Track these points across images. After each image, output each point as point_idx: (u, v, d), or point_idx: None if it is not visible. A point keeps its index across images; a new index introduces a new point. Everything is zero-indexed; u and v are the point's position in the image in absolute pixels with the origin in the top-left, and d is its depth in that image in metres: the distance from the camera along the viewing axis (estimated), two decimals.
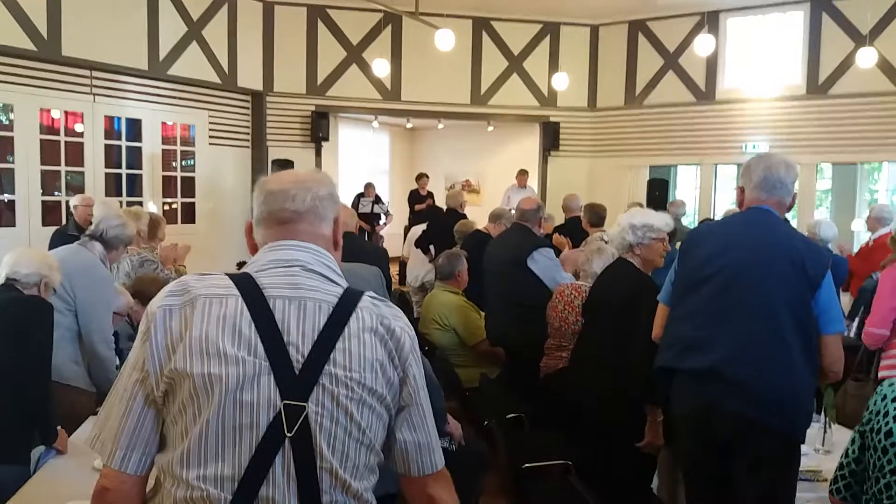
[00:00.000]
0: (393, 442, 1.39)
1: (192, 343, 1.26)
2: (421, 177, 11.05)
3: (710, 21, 9.98)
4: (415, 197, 10.77)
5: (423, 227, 7.69)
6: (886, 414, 1.90)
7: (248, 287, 1.33)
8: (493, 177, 12.64)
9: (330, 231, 1.46)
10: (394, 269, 9.44)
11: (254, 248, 1.46)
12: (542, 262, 4.53)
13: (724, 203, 10.50)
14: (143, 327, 1.33)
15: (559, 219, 7.09)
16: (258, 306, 1.30)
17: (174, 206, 9.59)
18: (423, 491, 1.43)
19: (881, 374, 3.56)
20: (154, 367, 1.28)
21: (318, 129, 10.53)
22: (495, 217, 5.83)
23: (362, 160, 11.40)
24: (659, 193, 9.66)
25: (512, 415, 3.94)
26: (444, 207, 8.01)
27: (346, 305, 1.35)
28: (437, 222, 7.47)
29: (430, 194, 10.78)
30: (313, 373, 1.28)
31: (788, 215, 2.84)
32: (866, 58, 8.39)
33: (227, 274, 1.37)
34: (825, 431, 3.07)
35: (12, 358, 2.61)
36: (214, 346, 1.26)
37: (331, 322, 1.32)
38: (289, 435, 1.25)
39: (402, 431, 1.39)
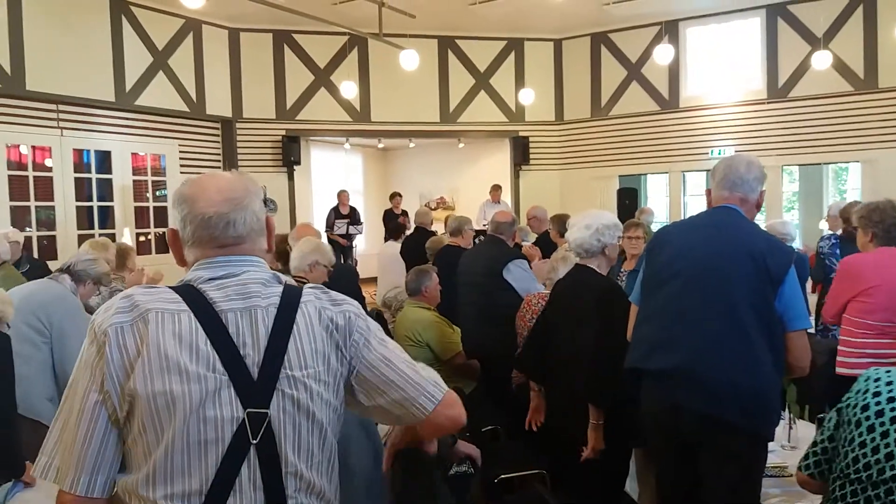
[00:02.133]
0: (381, 409, 1.44)
1: (150, 361, 1.25)
2: (394, 196, 11.09)
3: (669, 30, 10.19)
4: (389, 216, 10.79)
5: (396, 244, 7.71)
6: (866, 391, 1.91)
7: (197, 301, 1.32)
8: (466, 193, 12.71)
9: (265, 241, 1.48)
10: (371, 289, 9.44)
11: (183, 261, 1.45)
12: (517, 273, 4.56)
13: (695, 210, 10.63)
14: (91, 346, 1.30)
15: (532, 235, 7.13)
16: (212, 322, 1.30)
17: (148, 236, 9.55)
18: (433, 423, 1.47)
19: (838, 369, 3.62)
20: (114, 386, 1.25)
21: (289, 154, 10.55)
22: (456, 230, 5.85)
23: (336, 182, 11.41)
24: (629, 202, 9.78)
25: (488, 427, 3.97)
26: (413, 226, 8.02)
27: (289, 304, 1.37)
28: (407, 241, 7.49)
29: (405, 213, 10.81)
30: (271, 379, 1.30)
31: (759, 219, 2.84)
32: (822, 60, 8.62)
33: (171, 287, 1.36)
34: (790, 428, 3.12)
35: None
36: (175, 363, 1.25)
37: (278, 324, 1.34)
38: (254, 442, 1.27)
39: (379, 398, 1.42)
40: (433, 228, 7.72)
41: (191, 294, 1.34)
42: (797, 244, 6.42)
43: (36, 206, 8.08)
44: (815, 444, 2.07)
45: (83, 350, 1.33)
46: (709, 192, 2.73)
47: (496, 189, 10.68)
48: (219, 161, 10.40)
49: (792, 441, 3.09)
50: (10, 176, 7.78)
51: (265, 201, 9.68)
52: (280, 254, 4.07)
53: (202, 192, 1.41)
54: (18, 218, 7.92)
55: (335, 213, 10.51)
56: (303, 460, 1.33)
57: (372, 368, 1.41)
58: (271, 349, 1.31)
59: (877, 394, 1.89)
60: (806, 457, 2.08)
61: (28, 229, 8.01)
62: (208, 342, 1.28)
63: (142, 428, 1.25)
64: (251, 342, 1.31)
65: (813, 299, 6.19)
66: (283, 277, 1.45)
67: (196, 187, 1.42)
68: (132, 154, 9.21)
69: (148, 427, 1.25)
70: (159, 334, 1.27)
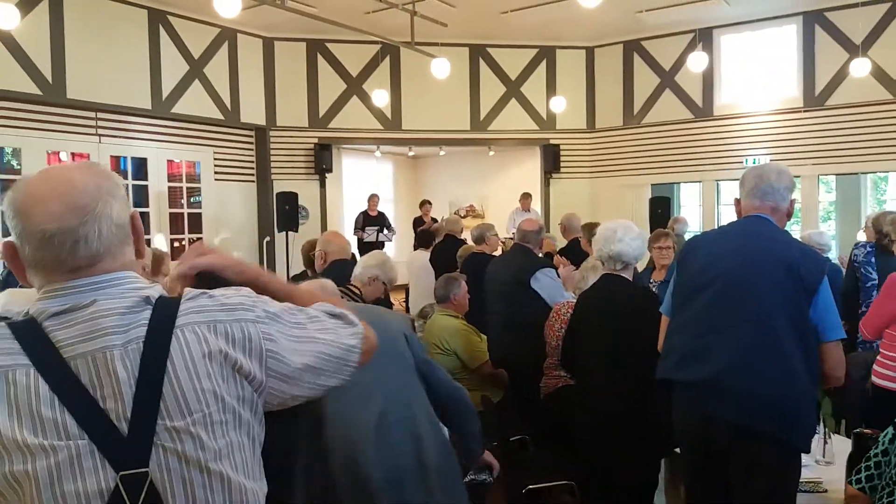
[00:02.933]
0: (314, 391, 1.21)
1: None
2: (424, 204, 11.15)
3: (703, 38, 10.08)
4: (419, 224, 10.84)
5: (425, 253, 7.72)
6: None
7: (39, 348, 1.04)
8: (496, 201, 12.72)
9: (132, 250, 1.17)
10: (399, 296, 9.48)
11: (25, 279, 1.14)
12: (545, 282, 4.55)
13: (728, 219, 10.47)
14: None
15: (561, 240, 7.11)
16: (58, 374, 1.03)
17: (182, 242, 9.71)
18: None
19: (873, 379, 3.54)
20: None
21: (321, 161, 10.65)
22: (479, 238, 5.85)
23: (367, 190, 11.51)
24: (661, 211, 9.67)
25: (516, 437, 3.96)
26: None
27: (159, 334, 1.07)
28: (436, 249, 7.50)
29: (434, 220, 10.84)
30: (146, 433, 1.04)
31: (793, 230, 2.83)
32: (860, 68, 8.45)
33: (7, 323, 1.07)
34: (825, 442, 3.05)
35: None
36: (11, 441, 1.00)
37: (146, 365, 1.05)
38: None
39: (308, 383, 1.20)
40: (463, 236, 7.73)
41: (30, 338, 1.05)
42: (833, 255, 6.29)
43: None
44: (867, 458, 2.04)
45: None
46: (738, 202, 2.71)
47: (526, 197, 10.67)
48: (252, 168, 10.54)
49: (827, 456, 3.02)
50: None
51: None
52: (310, 260, 4.10)
53: (38, 201, 1.08)
54: None
55: (364, 217, 10.59)
56: None
57: (289, 380, 1.16)
58: (140, 398, 1.04)
59: None
60: (857, 471, 2.06)
61: None
62: (56, 403, 1.01)
63: None
64: (112, 392, 1.03)
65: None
66: (154, 293, 1.13)
67: (29, 195, 1.10)
68: (168, 161, 9.39)
69: None
70: None
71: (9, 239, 1.13)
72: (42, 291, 1.10)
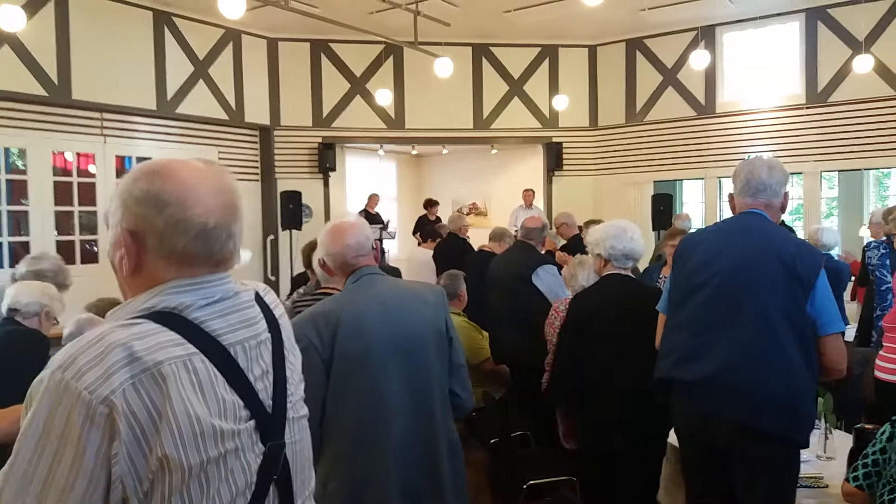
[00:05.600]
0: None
1: (179, 429, 1.01)
2: (431, 204, 11.13)
3: (705, 35, 10.08)
4: (424, 222, 10.86)
5: (427, 251, 7.76)
6: None
7: (202, 339, 1.09)
8: (499, 198, 12.72)
9: None
10: None
11: (136, 274, 1.13)
12: (546, 279, 4.56)
13: (731, 215, 10.47)
14: (81, 422, 0.97)
15: (560, 239, 7.13)
16: (225, 362, 1.11)
17: None
18: None
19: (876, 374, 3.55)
20: (130, 469, 0.99)
21: (325, 160, 10.68)
22: (498, 236, 5.87)
23: (370, 188, 11.53)
24: (663, 208, 9.68)
25: (517, 433, 3.98)
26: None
27: (271, 321, 1.24)
28: (439, 246, 7.53)
29: (439, 219, 10.84)
30: (282, 407, 1.20)
31: (796, 226, 2.82)
32: (863, 64, 8.44)
33: (155, 321, 1.07)
34: (826, 438, 3.07)
35: (16, 393, 2.67)
36: (208, 426, 1.05)
37: (276, 350, 1.22)
38: (275, 477, 1.17)
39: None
40: (467, 235, 7.75)
41: (190, 330, 1.09)
42: (837, 251, 6.28)
43: (79, 211, 8.31)
44: (865, 455, 2.05)
45: (54, 422, 0.97)
46: (731, 197, 2.71)
47: (528, 193, 10.67)
48: (256, 167, 10.58)
49: (828, 452, 3.04)
50: (55, 182, 8.03)
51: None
52: (310, 261, 4.09)
53: (192, 192, 1.10)
54: (62, 223, 8.17)
55: (366, 216, 10.59)
56: (307, 487, 1.28)
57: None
58: (277, 379, 1.20)
59: None
60: (855, 468, 2.06)
61: (70, 233, 8.24)
62: (229, 388, 1.10)
63: (165, 499, 1.02)
64: (260, 372, 1.17)
65: (852, 308, 6.07)
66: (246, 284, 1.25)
67: (180, 185, 1.11)
68: None
69: (174, 498, 1.03)
70: (180, 392, 1.02)
71: (131, 227, 1.11)
72: (173, 284, 1.11)
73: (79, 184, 8.30)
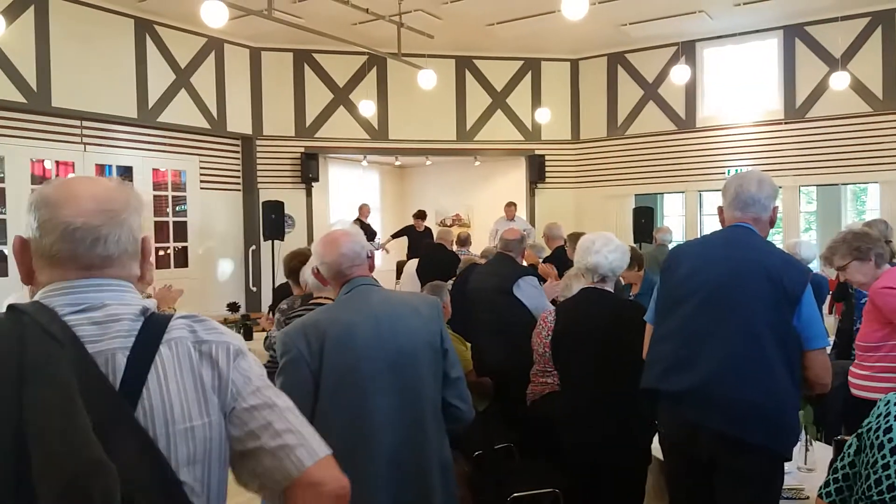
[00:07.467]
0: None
1: None
2: (419, 216, 11.06)
3: (686, 51, 10.22)
4: (410, 233, 10.84)
5: (414, 261, 7.75)
6: (888, 414, 1.92)
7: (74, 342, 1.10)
8: (482, 210, 12.75)
9: (138, 267, 1.24)
10: None
11: (30, 278, 1.19)
12: (527, 290, 4.57)
13: (711, 229, 10.55)
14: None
15: (546, 249, 7.15)
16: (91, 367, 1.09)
17: (168, 251, 9.66)
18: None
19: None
20: None
21: (308, 171, 10.65)
22: (489, 254, 5.90)
23: (353, 199, 11.51)
24: (645, 221, 9.76)
25: (501, 445, 3.97)
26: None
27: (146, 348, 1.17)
28: (424, 256, 7.53)
29: (428, 230, 10.83)
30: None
31: (775, 239, 2.84)
32: (840, 81, 8.61)
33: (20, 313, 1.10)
34: (807, 450, 3.09)
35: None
36: None
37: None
38: None
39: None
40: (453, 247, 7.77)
41: (65, 332, 1.10)
42: (815, 265, 6.35)
43: None
44: (835, 470, 2.05)
45: None
46: (721, 210, 2.73)
47: (510, 206, 10.68)
48: (238, 177, 10.53)
49: (809, 463, 3.06)
50: (33, 190, 7.90)
51: (284, 218, 9.58)
52: (292, 271, 4.06)
53: (71, 196, 1.15)
54: None
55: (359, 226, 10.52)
56: None
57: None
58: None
59: None
60: (826, 484, 2.07)
61: None
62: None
63: None
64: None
65: (829, 321, 6.13)
66: (151, 305, 1.21)
67: (64, 190, 1.16)
68: (153, 170, 9.35)
69: None
70: None
71: (22, 235, 1.17)
72: (49, 287, 1.14)
73: None
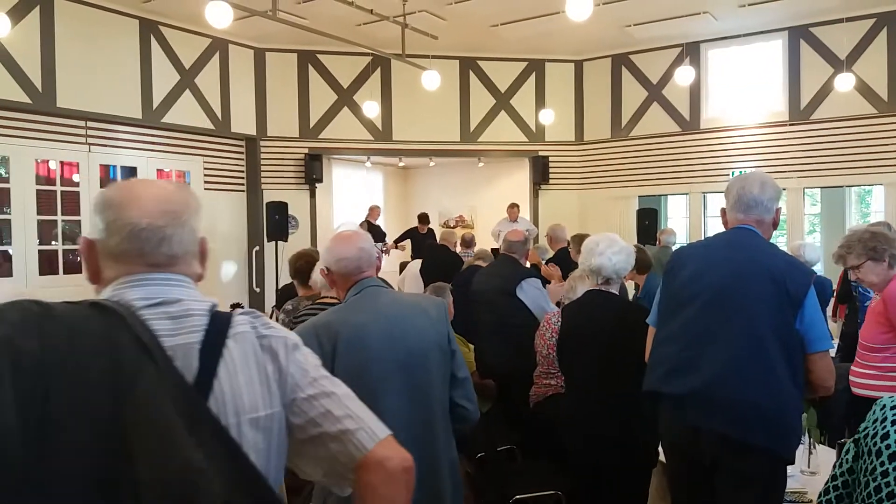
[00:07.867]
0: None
1: None
2: (423, 219, 11.07)
3: (690, 52, 10.20)
4: (413, 235, 10.85)
5: (417, 262, 7.75)
6: (884, 420, 1.91)
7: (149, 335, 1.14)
8: (485, 211, 12.76)
9: (199, 266, 1.30)
10: None
11: (97, 277, 1.24)
12: (530, 292, 4.57)
13: (715, 231, 10.51)
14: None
15: (549, 251, 7.15)
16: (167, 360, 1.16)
17: None
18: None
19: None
20: None
21: (311, 171, 10.65)
22: (485, 256, 5.89)
23: (357, 200, 11.52)
24: (648, 223, 9.74)
25: (503, 447, 3.97)
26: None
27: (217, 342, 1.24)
28: (427, 258, 7.53)
29: (431, 232, 10.82)
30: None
31: (779, 241, 2.82)
32: (845, 82, 8.57)
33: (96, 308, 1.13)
34: (810, 453, 3.08)
35: None
36: None
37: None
38: None
39: None
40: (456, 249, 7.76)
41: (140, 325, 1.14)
42: (819, 268, 6.34)
43: (62, 221, 8.23)
44: (834, 477, 2.05)
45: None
46: (724, 212, 2.72)
47: (513, 207, 10.70)
48: (242, 178, 10.54)
49: (812, 466, 3.05)
50: (38, 190, 7.95)
51: (288, 219, 9.56)
52: (297, 271, 4.08)
53: (135, 198, 1.21)
54: (45, 232, 8.08)
55: (367, 227, 10.55)
56: None
57: None
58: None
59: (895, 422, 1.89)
60: (826, 491, 2.06)
61: (54, 243, 8.16)
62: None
63: None
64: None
65: (832, 325, 6.12)
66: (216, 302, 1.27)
67: (127, 192, 1.23)
68: (157, 170, 9.36)
69: None
70: None
71: (88, 236, 1.23)
72: (120, 280, 1.19)
73: (62, 193, 8.22)
